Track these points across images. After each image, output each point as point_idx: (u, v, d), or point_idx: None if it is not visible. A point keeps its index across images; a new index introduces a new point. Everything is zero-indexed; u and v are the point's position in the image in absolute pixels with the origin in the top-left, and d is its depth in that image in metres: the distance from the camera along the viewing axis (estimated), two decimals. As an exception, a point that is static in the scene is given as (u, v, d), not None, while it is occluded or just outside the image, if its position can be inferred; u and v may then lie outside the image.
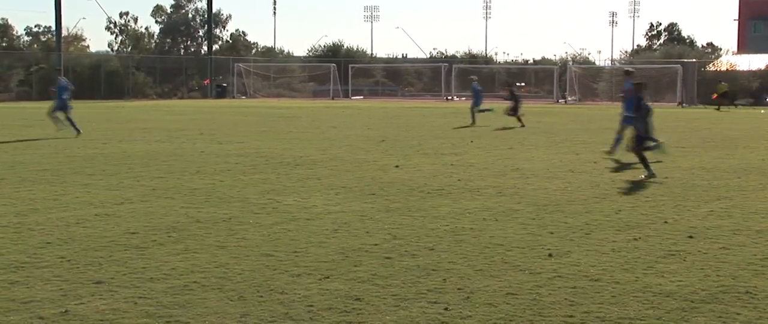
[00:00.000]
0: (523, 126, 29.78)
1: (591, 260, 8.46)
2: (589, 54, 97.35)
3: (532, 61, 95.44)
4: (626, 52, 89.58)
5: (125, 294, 7.06)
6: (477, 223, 10.53)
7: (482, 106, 32.37)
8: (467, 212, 11.31)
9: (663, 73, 62.79)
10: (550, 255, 8.69)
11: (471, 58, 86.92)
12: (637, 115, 16.09)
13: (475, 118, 31.43)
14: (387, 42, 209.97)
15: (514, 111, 31.24)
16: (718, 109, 48.41)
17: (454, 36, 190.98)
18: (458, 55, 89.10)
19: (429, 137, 24.58)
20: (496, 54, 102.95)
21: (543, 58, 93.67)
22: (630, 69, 22.23)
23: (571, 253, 8.82)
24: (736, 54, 72.95)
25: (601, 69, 74.11)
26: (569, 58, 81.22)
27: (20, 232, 9.68)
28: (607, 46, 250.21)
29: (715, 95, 51.91)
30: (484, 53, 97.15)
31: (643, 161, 15.35)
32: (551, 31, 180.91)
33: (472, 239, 9.47)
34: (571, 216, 11.07)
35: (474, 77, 36.86)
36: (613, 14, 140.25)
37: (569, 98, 61.98)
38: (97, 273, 7.78)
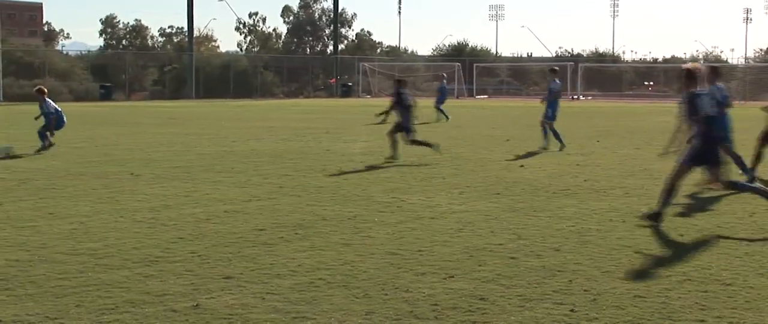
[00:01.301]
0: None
1: (723, 264, 8.22)
2: (721, 52, 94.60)
3: (660, 59, 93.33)
4: (761, 49, 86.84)
5: (253, 289, 7.21)
6: (603, 224, 10.36)
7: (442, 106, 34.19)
8: (594, 213, 11.14)
9: (800, 72, 60.61)
10: (679, 258, 8.48)
11: (598, 56, 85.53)
12: (400, 109, 17.63)
13: (445, 114, 33.25)
14: (512, 41, 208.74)
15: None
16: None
17: (580, 34, 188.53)
18: (584, 53, 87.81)
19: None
20: (623, 52, 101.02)
21: (672, 57, 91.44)
22: (556, 68, 22.33)
23: (702, 256, 8.59)
24: None
25: (734, 68, 71.94)
26: (700, 57, 79.03)
27: (154, 227, 10.00)
28: (740, 44, 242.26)
29: None
30: (611, 52, 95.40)
31: (423, 145, 17.74)
32: (681, 29, 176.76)
33: (598, 240, 9.33)
34: (702, 218, 10.77)
35: (444, 74, 38.88)
36: (748, 11, 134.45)
37: (700, 97, 60.19)
38: (227, 268, 7.96)
